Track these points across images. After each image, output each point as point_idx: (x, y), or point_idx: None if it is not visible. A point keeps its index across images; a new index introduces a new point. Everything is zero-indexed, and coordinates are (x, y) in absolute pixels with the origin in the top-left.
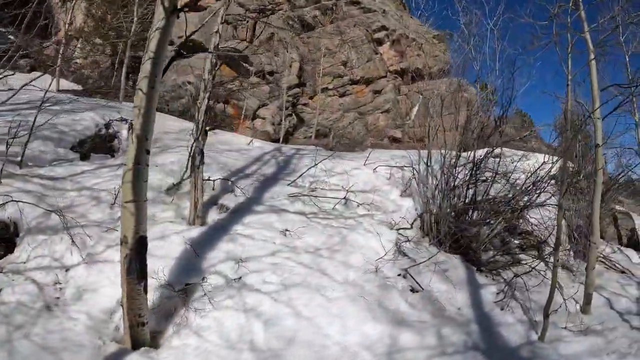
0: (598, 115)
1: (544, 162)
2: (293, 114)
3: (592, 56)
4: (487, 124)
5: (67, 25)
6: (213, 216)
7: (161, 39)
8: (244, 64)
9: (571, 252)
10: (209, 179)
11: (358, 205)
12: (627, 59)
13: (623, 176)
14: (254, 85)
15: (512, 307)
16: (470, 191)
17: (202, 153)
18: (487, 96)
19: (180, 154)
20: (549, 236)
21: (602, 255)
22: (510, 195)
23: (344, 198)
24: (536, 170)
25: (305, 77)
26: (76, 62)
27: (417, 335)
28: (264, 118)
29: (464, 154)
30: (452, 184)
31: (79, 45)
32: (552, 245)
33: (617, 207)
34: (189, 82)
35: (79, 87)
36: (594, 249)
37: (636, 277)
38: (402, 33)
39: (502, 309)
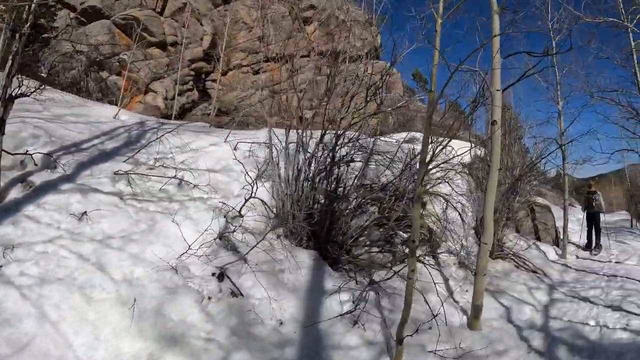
0: (497, 85)
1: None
2: (195, 90)
3: (495, 7)
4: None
5: None
6: (15, 194)
7: None
8: (144, 34)
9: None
10: (26, 153)
11: (193, 187)
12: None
13: (533, 164)
14: (152, 57)
15: (366, 322)
16: (340, 176)
17: (3, 123)
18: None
19: None
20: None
21: (511, 253)
22: (390, 181)
23: (175, 177)
24: (419, 154)
25: (218, 52)
26: None
27: None
28: (155, 92)
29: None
30: (316, 167)
31: None
32: (453, 241)
33: (539, 200)
34: (81, 52)
35: None
36: (484, 250)
37: (548, 279)
38: (331, 14)
39: (354, 324)
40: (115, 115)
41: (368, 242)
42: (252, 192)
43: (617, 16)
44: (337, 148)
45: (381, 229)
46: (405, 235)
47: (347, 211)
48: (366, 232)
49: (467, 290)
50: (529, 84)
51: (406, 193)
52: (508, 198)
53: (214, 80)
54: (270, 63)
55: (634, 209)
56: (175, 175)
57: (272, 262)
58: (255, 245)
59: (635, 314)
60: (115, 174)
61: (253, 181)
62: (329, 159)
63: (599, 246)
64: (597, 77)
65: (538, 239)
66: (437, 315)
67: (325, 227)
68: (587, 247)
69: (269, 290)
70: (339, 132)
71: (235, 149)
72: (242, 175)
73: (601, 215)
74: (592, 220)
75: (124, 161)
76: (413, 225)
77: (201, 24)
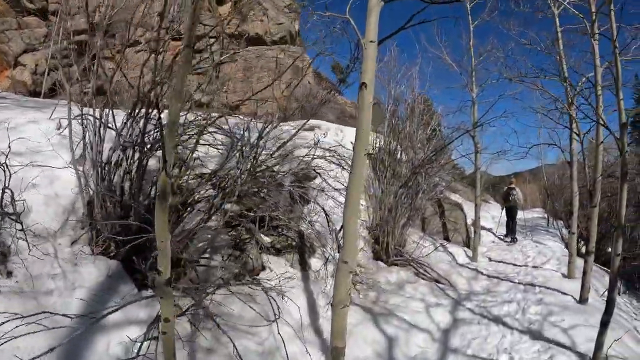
0: (373, 36)
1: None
2: (75, 66)
3: None
4: None
5: None
6: None
7: None
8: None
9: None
10: None
11: None
12: None
13: (436, 153)
14: (27, 26)
15: None
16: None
17: None
18: None
19: None
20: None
21: (410, 258)
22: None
23: None
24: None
25: (115, 27)
26: None
27: None
28: (24, 65)
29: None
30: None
31: None
32: (333, 246)
33: (453, 197)
34: None
35: None
36: (343, 273)
37: (453, 290)
38: None
39: None
40: None
41: (208, 249)
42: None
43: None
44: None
45: (232, 232)
46: (268, 240)
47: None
48: (196, 235)
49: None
50: (442, 71)
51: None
52: (409, 193)
53: (106, 57)
54: (173, 42)
55: (550, 206)
56: None
57: (42, 277)
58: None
59: (561, 346)
60: None
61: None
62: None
63: (514, 239)
64: (518, 63)
65: (447, 239)
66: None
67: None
68: (505, 236)
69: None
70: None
71: (59, 127)
72: (51, 159)
73: (519, 211)
74: (511, 214)
75: None
76: (158, 243)
77: None
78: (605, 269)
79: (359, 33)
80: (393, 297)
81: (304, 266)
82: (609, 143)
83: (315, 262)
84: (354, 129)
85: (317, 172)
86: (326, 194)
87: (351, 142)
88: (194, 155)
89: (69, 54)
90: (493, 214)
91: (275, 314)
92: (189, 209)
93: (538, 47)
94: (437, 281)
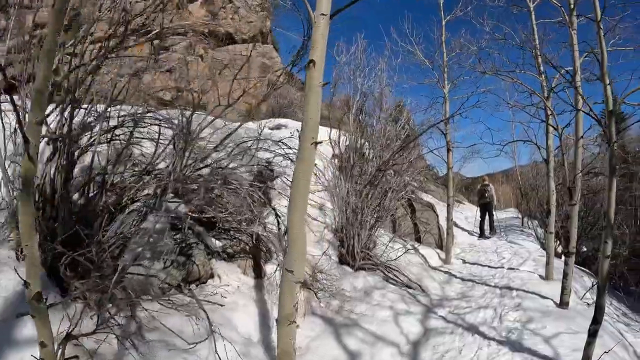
0: (325, 9)
1: None
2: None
3: None
4: None
5: None
6: None
7: None
8: None
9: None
10: None
11: None
12: None
13: (402, 149)
14: None
15: None
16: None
17: None
18: None
19: None
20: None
21: (378, 261)
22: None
23: None
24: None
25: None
26: None
27: None
28: None
29: None
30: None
31: None
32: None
33: (427, 197)
34: None
35: None
36: (289, 282)
37: (425, 295)
38: None
39: None
40: None
41: (147, 255)
42: None
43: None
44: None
45: (178, 235)
46: (219, 244)
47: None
48: (132, 239)
49: (298, 326)
50: (413, 66)
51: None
52: (376, 192)
53: (68, 54)
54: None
55: (525, 205)
56: None
57: None
58: None
59: (544, 358)
60: None
61: None
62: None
63: (493, 231)
64: (492, 57)
65: (419, 240)
66: None
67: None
68: (480, 236)
69: None
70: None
71: None
72: None
73: (494, 209)
74: (485, 211)
75: None
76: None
77: None
78: (583, 269)
79: (309, 6)
80: (359, 305)
81: (258, 273)
82: (585, 139)
83: (271, 269)
84: (326, 129)
85: (269, 170)
86: (286, 196)
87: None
88: (130, 150)
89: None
90: (467, 215)
91: (213, 330)
92: (125, 209)
93: (513, 42)
94: (407, 286)
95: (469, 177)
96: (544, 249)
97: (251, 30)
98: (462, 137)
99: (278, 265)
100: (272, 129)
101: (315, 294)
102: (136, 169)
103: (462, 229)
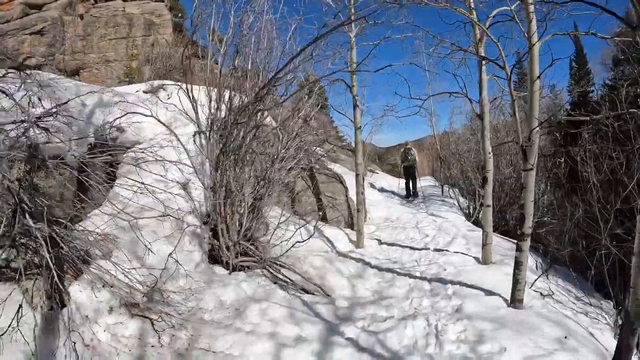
0: None
1: None
2: None
3: None
4: None
5: None
6: None
7: None
8: None
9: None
10: None
11: None
12: None
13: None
14: None
15: None
16: None
17: None
18: None
19: None
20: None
21: (263, 257)
22: None
23: None
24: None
25: None
26: None
27: None
28: None
29: None
30: None
31: None
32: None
33: (333, 167)
34: None
35: None
36: None
37: (327, 303)
38: None
39: None
40: None
41: None
42: None
43: None
44: None
45: None
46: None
47: None
48: None
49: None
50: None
51: None
52: (250, 159)
53: None
54: None
55: (445, 173)
56: None
57: None
58: None
59: None
60: None
61: None
62: None
63: (415, 194)
64: None
65: (325, 219)
66: None
67: None
68: (406, 197)
69: None
70: None
71: None
72: None
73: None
74: (409, 174)
75: None
76: None
77: None
78: (507, 238)
79: None
80: (223, 336)
81: (58, 298)
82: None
83: (78, 291)
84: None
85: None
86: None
87: None
88: None
89: None
90: (382, 185)
91: None
92: None
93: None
94: (303, 289)
95: (382, 146)
96: (471, 221)
97: None
98: (373, 95)
99: (104, 282)
100: (147, 92)
101: (152, 323)
102: None
103: (377, 201)
